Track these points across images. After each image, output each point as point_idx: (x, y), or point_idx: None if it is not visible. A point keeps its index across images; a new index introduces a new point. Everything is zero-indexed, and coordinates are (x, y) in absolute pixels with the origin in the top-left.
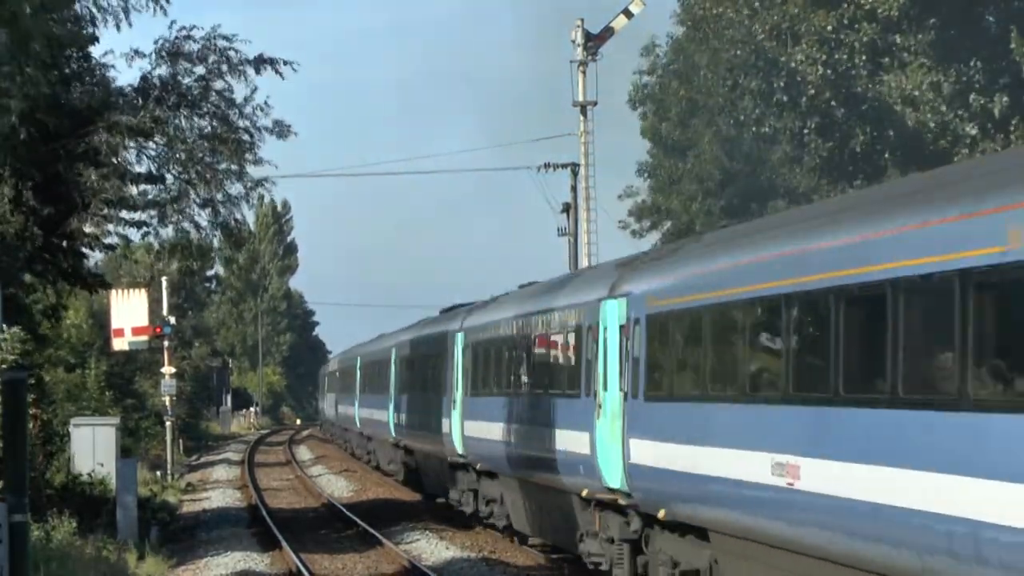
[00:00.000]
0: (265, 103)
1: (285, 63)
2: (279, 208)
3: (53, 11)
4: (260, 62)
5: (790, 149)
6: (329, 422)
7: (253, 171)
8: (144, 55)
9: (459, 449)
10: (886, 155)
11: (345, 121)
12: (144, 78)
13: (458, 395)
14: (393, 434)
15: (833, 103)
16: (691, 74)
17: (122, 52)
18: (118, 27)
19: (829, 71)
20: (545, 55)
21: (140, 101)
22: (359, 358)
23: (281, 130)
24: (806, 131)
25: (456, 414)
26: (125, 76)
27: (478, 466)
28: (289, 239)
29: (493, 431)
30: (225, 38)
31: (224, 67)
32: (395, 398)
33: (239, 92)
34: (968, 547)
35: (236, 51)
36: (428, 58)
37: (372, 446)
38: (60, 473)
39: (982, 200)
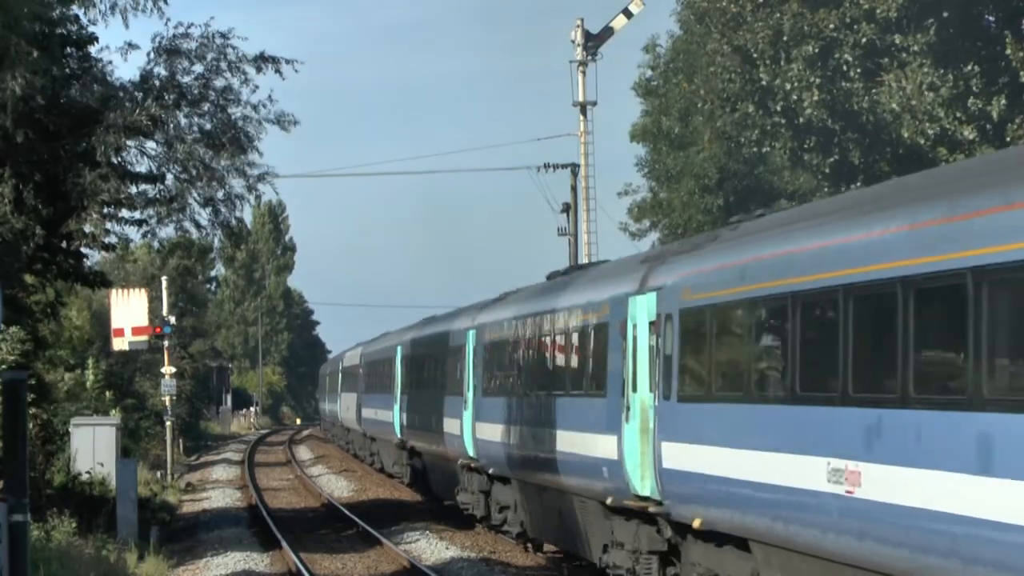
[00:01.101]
0: (269, 98)
1: (287, 62)
2: (275, 207)
3: None
4: (262, 60)
5: (790, 164)
6: (342, 427)
7: (252, 168)
8: (137, 47)
9: (643, 487)
10: (884, 164)
11: (345, 121)
12: (143, 77)
13: (636, 399)
14: (472, 451)
15: (829, 120)
16: (691, 73)
17: (117, 47)
18: (124, 19)
19: (825, 95)
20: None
21: (140, 95)
22: (400, 347)
23: (283, 122)
24: (805, 147)
25: (633, 430)
26: (123, 73)
27: (695, 523)
28: (286, 238)
29: (746, 465)
30: (222, 35)
31: (223, 65)
32: (475, 402)
33: (241, 91)
34: None
35: (234, 48)
36: (427, 57)
37: (421, 463)
38: (60, 473)
39: None
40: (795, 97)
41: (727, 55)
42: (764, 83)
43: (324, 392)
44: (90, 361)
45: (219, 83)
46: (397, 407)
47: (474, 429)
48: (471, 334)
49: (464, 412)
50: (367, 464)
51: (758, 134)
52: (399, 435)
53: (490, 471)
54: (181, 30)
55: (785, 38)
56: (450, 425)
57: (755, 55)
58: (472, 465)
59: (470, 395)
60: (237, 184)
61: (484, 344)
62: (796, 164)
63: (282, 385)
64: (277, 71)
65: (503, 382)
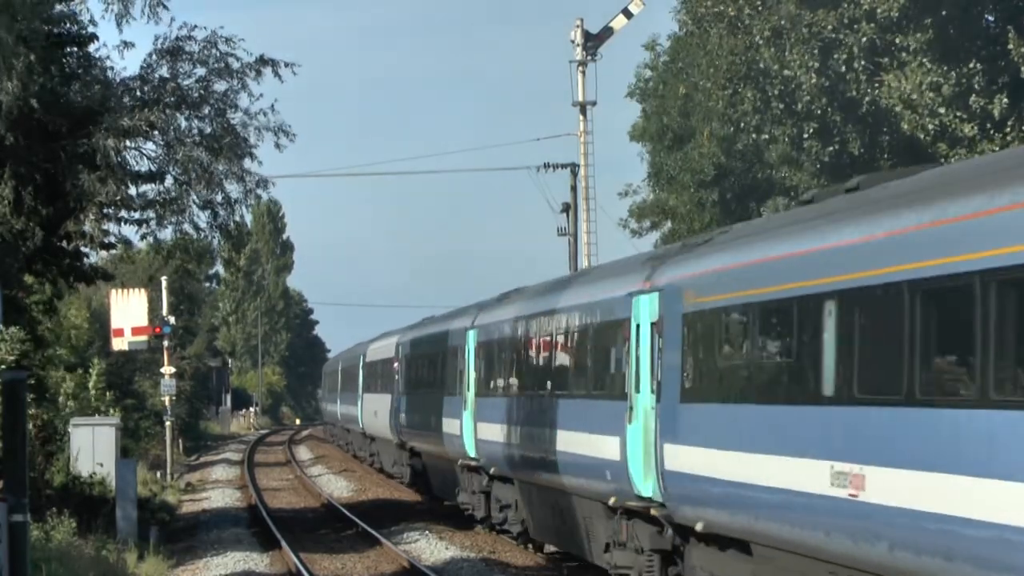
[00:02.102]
0: (272, 107)
1: (286, 65)
2: (272, 207)
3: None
4: (261, 63)
5: (790, 151)
6: (362, 435)
7: (252, 171)
8: (132, 45)
9: None
10: (884, 157)
11: (344, 120)
12: (142, 78)
13: None
14: (652, 488)
15: (829, 110)
16: (690, 72)
17: (114, 44)
18: (118, 24)
19: (824, 80)
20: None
21: (141, 91)
22: (473, 333)
23: (279, 138)
24: (805, 136)
25: None
26: (122, 68)
27: None
28: (284, 237)
29: None
30: (228, 40)
31: (223, 70)
32: (664, 412)
33: (241, 97)
34: None
35: (237, 58)
36: (428, 57)
37: (524, 495)
38: (60, 473)
39: None
40: (793, 85)
41: (725, 37)
42: (763, 66)
43: (334, 392)
44: (95, 361)
45: (220, 87)
46: (468, 414)
47: (660, 454)
48: (645, 304)
49: (629, 426)
50: (405, 484)
51: (758, 119)
52: (472, 453)
53: (697, 527)
54: (184, 31)
55: (786, 28)
56: (582, 444)
57: (760, 41)
58: (650, 512)
59: (641, 400)
60: (235, 190)
61: (684, 318)
62: (796, 150)
63: (282, 385)
64: (276, 74)
65: (756, 380)
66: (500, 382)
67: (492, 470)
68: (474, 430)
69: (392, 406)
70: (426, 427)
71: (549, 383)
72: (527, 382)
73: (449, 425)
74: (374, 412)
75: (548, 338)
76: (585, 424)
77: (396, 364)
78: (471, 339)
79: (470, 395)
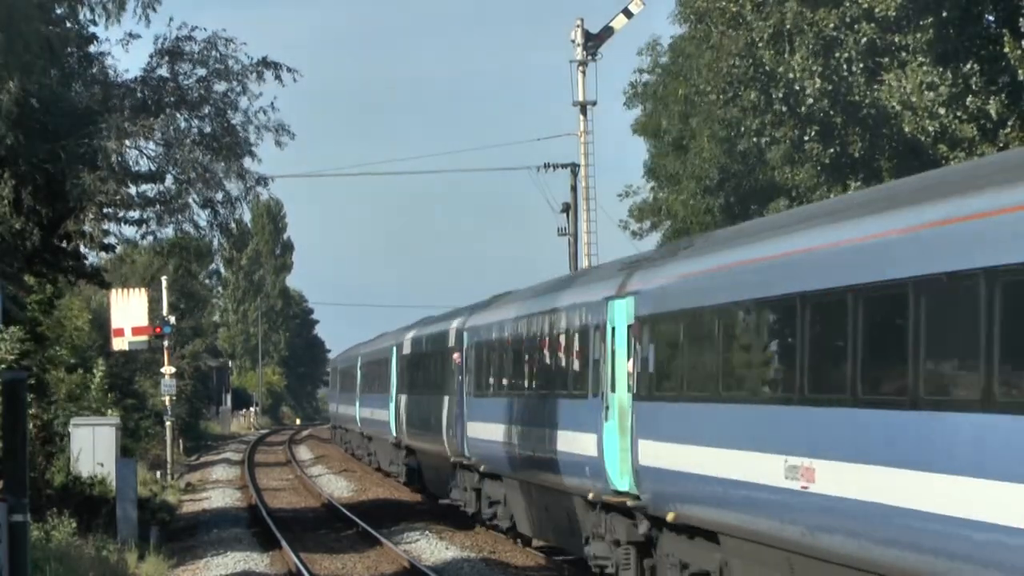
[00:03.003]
0: (271, 105)
1: (289, 70)
2: (273, 207)
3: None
4: (263, 65)
5: (792, 152)
6: (394, 445)
7: (251, 170)
8: (139, 36)
9: None
10: (885, 158)
11: (345, 120)
12: (143, 80)
13: None
14: None
15: (831, 112)
16: (690, 73)
17: (118, 39)
18: (107, 23)
19: (827, 83)
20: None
21: (142, 92)
22: (626, 304)
23: (279, 134)
24: (806, 138)
25: None
26: (124, 66)
27: None
28: (284, 237)
29: None
30: (228, 42)
31: (224, 71)
32: None
33: (241, 100)
34: None
35: (237, 60)
36: (428, 56)
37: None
38: (60, 473)
39: None
40: (797, 88)
41: (731, 38)
42: (767, 68)
43: (349, 391)
44: (99, 361)
45: (220, 87)
46: (613, 427)
47: None
48: None
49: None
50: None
51: (759, 123)
52: (625, 486)
53: None
54: (184, 32)
55: (788, 27)
56: (975, 502)
57: (760, 44)
58: None
59: None
60: (235, 188)
61: None
62: (797, 151)
63: (282, 385)
64: (277, 77)
65: None
66: (689, 378)
67: (669, 515)
68: (632, 451)
69: (450, 411)
70: (528, 442)
71: (846, 378)
72: (771, 377)
73: (568, 441)
74: (415, 419)
75: (812, 305)
76: (976, 464)
77: (458, 357)
78: (620, 316)
79: (616, 398)
